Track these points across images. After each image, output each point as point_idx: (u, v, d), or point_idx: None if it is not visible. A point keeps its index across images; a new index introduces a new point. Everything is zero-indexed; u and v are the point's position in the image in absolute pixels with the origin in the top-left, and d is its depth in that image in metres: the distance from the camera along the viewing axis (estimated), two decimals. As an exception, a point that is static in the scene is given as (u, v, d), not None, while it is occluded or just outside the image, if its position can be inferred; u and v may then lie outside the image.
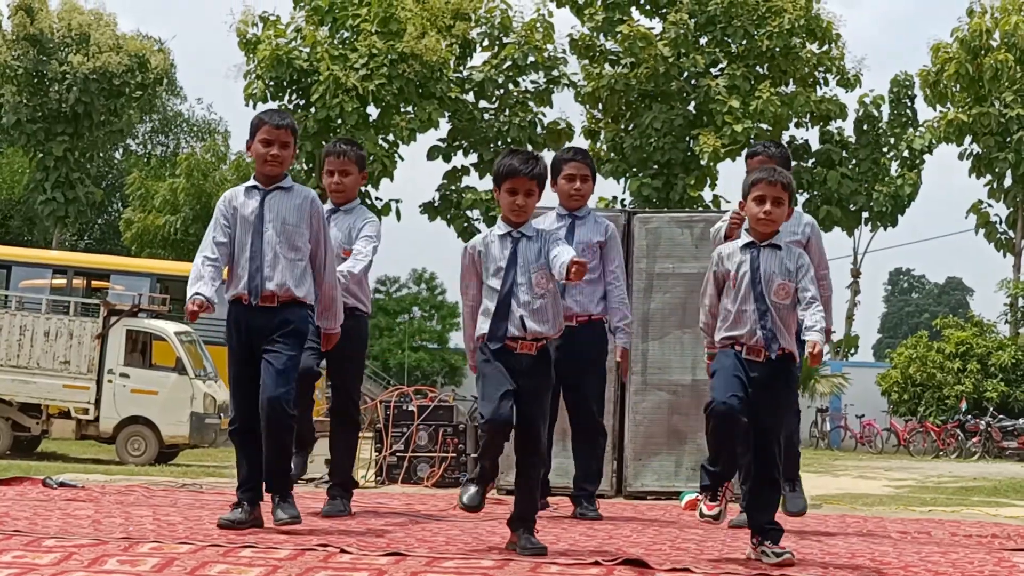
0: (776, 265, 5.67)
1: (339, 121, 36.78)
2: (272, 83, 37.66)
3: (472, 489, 5.84)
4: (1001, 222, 40.63)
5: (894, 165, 40.60)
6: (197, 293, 6.19)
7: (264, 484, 6.30)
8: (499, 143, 38.34)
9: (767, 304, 5.60)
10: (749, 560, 5.53)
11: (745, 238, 5.76)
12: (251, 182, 6.44)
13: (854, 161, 40.17)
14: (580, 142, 39.75)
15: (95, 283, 29.61)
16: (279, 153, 6.34)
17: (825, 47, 39.48)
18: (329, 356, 7.19)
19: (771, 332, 5.59)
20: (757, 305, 5.61)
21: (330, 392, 7.70)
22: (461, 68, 39.54)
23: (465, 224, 39.18)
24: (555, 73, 39.53)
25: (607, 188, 41.39)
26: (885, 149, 40.66)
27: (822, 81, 39.80)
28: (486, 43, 39.64)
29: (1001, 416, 34.39)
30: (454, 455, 10.91)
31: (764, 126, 38.38)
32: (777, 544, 5.50)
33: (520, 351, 5.65)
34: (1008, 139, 38.86)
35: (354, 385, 7.55)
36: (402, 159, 38.54)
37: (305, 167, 37.20)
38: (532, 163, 5.77)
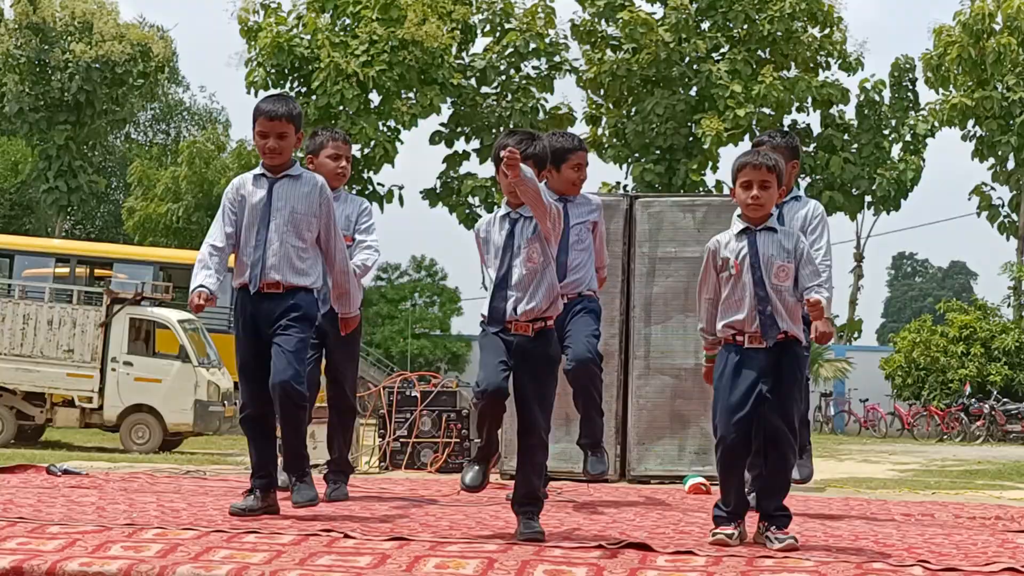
0: (774, 247, 5.60)
1: (340, 107, 36.80)
2: (273, 70, 37.69)
3: (474, 469, 5.83)
4: (1004, 205, 40.64)
5: (896, 149, 40.58)
6: (201, 286, 6.16)
7: (282, 466, 6.32)
8: (501, 129, 38.34)
9: (766, 290, 5.54)
10: (753, 543, 5.53)
11: (739, 225, 5.69)
12: (259, 169, 6.39)
13: (856, 145, 40.14)
14: (582, 128, 39.83)
15: (98, 271, 29.64)
16: (276, 145, 6.26)
17: (827, 31, 39.44)
18: (325, 347, 7.28)
19: (771, 319, 5.52)
20: (756, 291, 5.53)
21: (326, 382, 7.71)
22: (463, 54, 39.53)
23: (467, 211, 39.20)
24: (557, 59, 39.55)
25: (609, 173, 41.58)
26: (887, 132, 40.63)
27: (824, 65, 39.76)
28: (487, 29, 39.64)
29: (1005, 399, 34.37)
30: (457, 440, 10.92)
31: (766, 110, 38.39)
32: (783, 530, 5.48)
33: (515, 331, 5.61)
34: (1011, 122, 38.84)
35: (351, 375, 7.58)
36: (401, 142, 38.54)
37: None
38: (528, 143, 5.73)
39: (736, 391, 5.51)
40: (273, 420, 6.27)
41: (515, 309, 5.60)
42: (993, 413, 33.38)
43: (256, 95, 37.85)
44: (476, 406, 5.85)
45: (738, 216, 5.71)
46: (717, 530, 5.51)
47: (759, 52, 39.27)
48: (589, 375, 7.12)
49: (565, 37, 39.76)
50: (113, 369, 20.94)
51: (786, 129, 7.14)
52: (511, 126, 38.11)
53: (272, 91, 37.23)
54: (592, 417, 7.39)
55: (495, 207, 5.94)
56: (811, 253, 5.67)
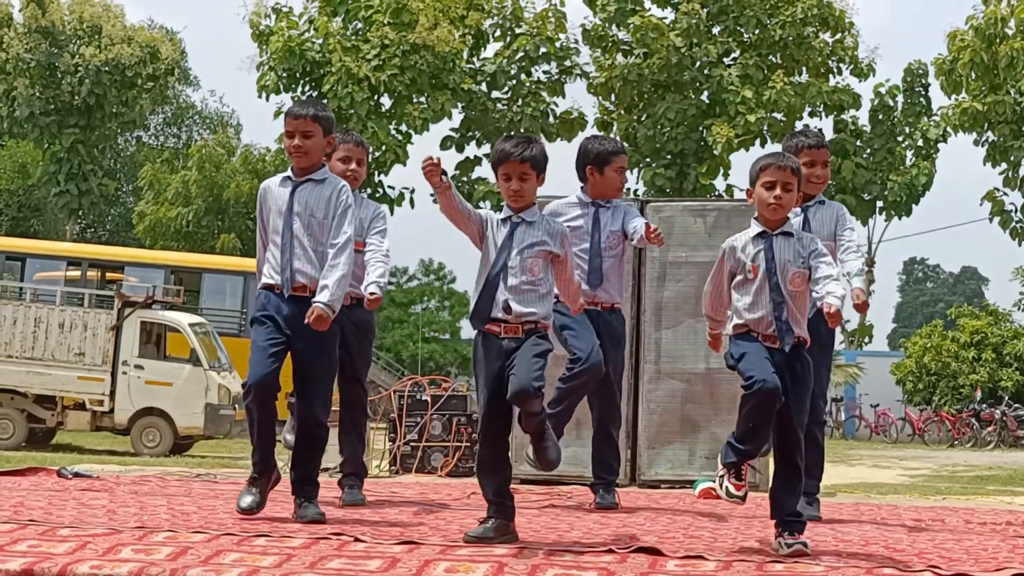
0: (791, 253, 5.56)
1: (351, 111, 36.84)
2: (285, 74, 37.69)
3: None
4: (1016, 210, 40.50)
5: (908, 154, 40.51)
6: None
7: (291, 484, 6.29)
8: (512, 133, 38.29)
9: (783, 295, 5.51)
10: (763, 549, 5.52)
11: (756, 228, 5.64)
12: (287, 172, 6.38)
13: (868, 150, 40.08)
14: (593, 133, 39.73)
15: (109, 275, 29.71)
16: (301, 144, 6.24)
17: (838, 36, 39.38)
18: (341, 345, 7.21)
19: (786, 324, 5.49)
20: (773, 296, 5.50)
21: (339, 380, 7.61)
22: (474, 59, 39.54)
23: (478, 215, 39.15)
24: (567, 63, 39.52)
25: (620, 178, 41.25)
26: (900, 138, 40.57)
27: (835, 70, 39.70)
28: (498, 34, 39.64)
29: (1016, 405, 34.32)
30: (468, 444, 10.92)
31: (777, 116, 38.33)
32: (796, 535, 5.41)
33: (503, 335, 5.56)
34: (1023, 127, 38.72)
35: (363, 374, 7.54)
36: (412, 144, 38.52)
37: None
38: (524, 146, 5.65)
39: (764, 354, 5.47)
40: (276, 397, 6.20)
41: (508, 308, 5.54)
42: (1004, 418, 33.33)
43: (267, 99, 37.91)
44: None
45: (755, 219, 5.67)
46: (729, 485, 5.49)
47: (770, 57, 39.21)
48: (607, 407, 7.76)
49: (576, 41, 39.78)
50: (124, 372, 20.98)
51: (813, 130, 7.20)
52: (522, 130, 38.12)
53: (284, 95, 37.51)
54: (604, 443, 7.90)
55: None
56: (823, 249, 5.63)
